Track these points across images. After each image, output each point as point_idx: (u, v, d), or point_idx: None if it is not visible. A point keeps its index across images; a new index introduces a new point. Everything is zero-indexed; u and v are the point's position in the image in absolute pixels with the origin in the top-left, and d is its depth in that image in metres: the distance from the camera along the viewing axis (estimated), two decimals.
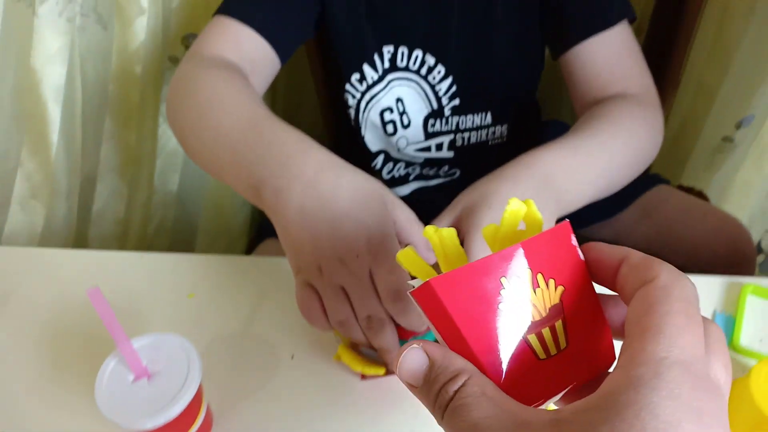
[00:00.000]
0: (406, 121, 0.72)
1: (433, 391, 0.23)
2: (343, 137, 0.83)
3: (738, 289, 0.54)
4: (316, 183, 0.40)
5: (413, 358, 0.24)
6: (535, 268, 0.25)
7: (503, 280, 0.24)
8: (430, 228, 0.28)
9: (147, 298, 0.53)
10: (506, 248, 0.24)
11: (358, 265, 0.38)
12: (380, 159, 0.77)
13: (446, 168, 0.75)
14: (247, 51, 0.61)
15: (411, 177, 0.79)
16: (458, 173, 0.76)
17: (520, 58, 0.70)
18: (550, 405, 0.26)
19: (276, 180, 0.41)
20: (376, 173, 0.78)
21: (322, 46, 0.80)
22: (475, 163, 0.74)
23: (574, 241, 0.26)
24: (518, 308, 0.24)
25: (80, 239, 0.82)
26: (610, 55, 0.63)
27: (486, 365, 0.24)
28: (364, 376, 0.46)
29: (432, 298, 0.24)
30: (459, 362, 0.23)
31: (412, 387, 0.24)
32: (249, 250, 0.83)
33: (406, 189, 0.80)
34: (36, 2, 0.67)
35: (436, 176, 0.77)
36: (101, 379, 0.38)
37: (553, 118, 0.98)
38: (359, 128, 0.74)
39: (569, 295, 0.26)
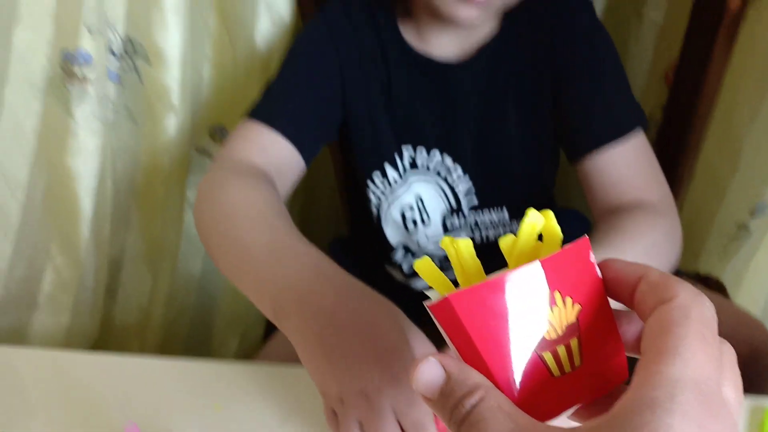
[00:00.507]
0: (425, 219, 0.74)
1: (450, 404, 0.23)
2: (363, 229, 0.84)
3: (761, 413, 0.51)
4: (335, 316, 0.41)
5: (429, 371, 0.24)
6: (553, 286, 0.25)
7: (521, 297, 0.24)
8: (446, 239, 0.28)
9: (172, 408, 0.53)
10: (525, 265, 0.24)
11: (379, 398, 0.38)
12: (400, 253, 0.78)
13: None
14: (274, 155, 0.63)
15: None
16: None
17: (535, 161, 0.72)
18: (561, 419, 0.26)
19: (296, 312, 0.42)
20: (396, 266, 0.79)
21: (343, 145, 0.83)
22: (493, 261, 0.75)
23: (592, 258, 0.26)
24: (534, 326, 0.24)
25: (104, 329, 0.83)
26: (626, 165, 0.64)
27: (501, 381, 0.24)
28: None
29: (450, 313, 0.24)
30: (476, 377, 0.23)
31: (427, 400, 0.24)
32: (266, 333, 0.83)
33: (425, 282, 0.80)
34: (72, 106, 0.70)
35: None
36: None
37: (563, 200, 0.99)
38: (380, 223, 0.76)
39: (585, 314, 0.26)
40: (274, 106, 0.66)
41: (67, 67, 0.68)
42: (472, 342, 0.24)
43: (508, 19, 0.68)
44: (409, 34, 0.69)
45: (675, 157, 0.88)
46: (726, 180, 0.95)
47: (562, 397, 0.25)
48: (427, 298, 0.28)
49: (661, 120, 0.93)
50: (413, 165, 0.72)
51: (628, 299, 0.25)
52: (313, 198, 1.09)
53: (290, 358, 0.48)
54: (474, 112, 0.69)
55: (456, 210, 0.73)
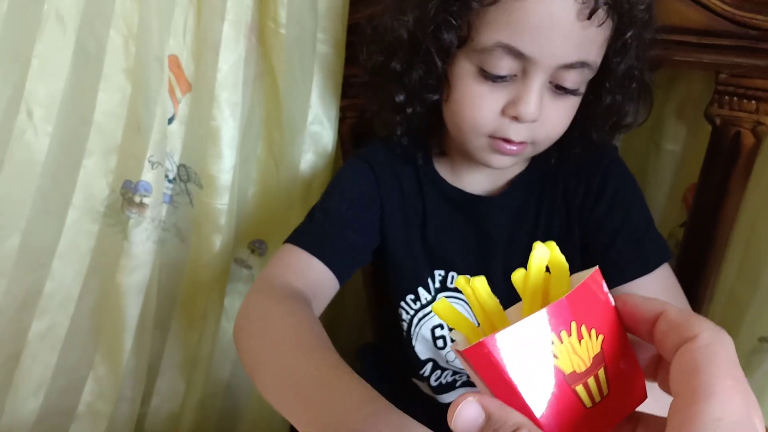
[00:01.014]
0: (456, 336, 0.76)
1: None
2: (391, 341, 0.87)
3: None
4: None
5: (469, 411, 0.25)
6: (578, 320, 0.26)
7: (552, 335, 0.25)
8: (461, 278, 0.29)
9: None
10: (552, 304, 0.25)
11: None
12: (429, 367, 0.81)
13: None
14: (312, 279, 0.67)
15: (458, 384, 0.82)
16: None
17: None
18: None
19: None
20: (424, 379, 0.81)
21: (377, 266, 0.87)
22: None
23: (605, 287, 0.27)
24: (567, 361, 0.25)
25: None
26: (657, 289, 0.67)
27: (540, 418, 0.25)
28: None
29: (485, 356, 0.25)
30: (516, 416, 0.24)
31: None
32: None
33: (453, 395, 0.82)
34: (129, 229, 0.75)
35: None
36: None
37: None
38: (410, 340, 0.78)
39: (608, 343, 0.27)
40: (314, 233, 0.71)
41: (127, 196, 0.74)
42: (510, 383, 0.25)
43: (538, 157, 0.73)
44: (444, 171, 0.75)
45: (696, 279, 0.91)
46: (746, 303, 0.97)
47: (594, 426, 0.27)
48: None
49: (682, 241, 0.96)
50: (443, 286, 0.76)
51: (645, 335, 0.26)
52: (341, 303, 1.12)
53: None
54: (504, 242, 0.74)
55: None
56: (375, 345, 0.98)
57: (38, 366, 0.76)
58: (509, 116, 0.61)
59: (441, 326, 0.77)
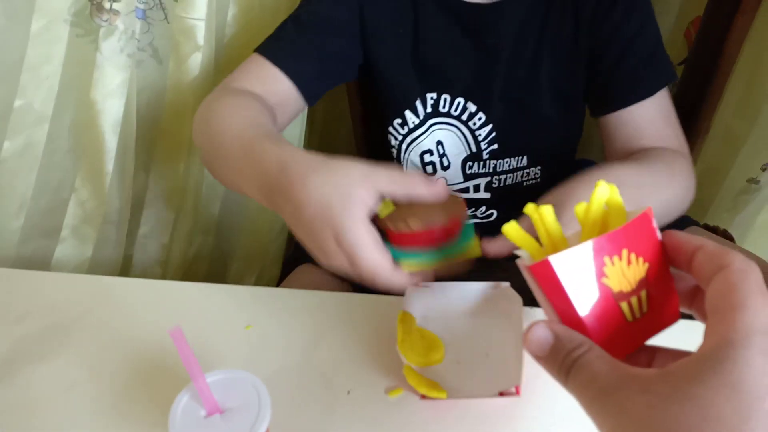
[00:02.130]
0: (445, 163, 0.75)
1: (560, 357, 0.29)
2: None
3: None
4: (291, 196, 0.46)
5: (539, 334, 0.30)
6: (629, 248, 0.30)
7: (606, 259, 0.30)
8: (530, 205, 0.33)
9: (203, 330, 0.55)
10: (610, 232, 0.30)
11: (336, 260, 0.45)
12: None
13: (483, 209, 0.78)
14: (272, 89, 0.65)
15: None
16: (495, 215, 0.78)
17: (562, 112, 0.73)
18: None
19: (271, 200, 0.49)
20: None
21: (363, 89, 0.83)
22: (510, 203, 0.77)
23: (654, 223, 0.31)
24: (616, 281, 0.30)
25: (125, 263, 0.85)
26: (650, 120, 0.67)
27: (591, 330, 0.30)
28: (424, 397, 0.48)
29: (549, 274, 0.29)
30: (580, 336, 0.30)
31: (538, 357, 0.31)
32: (282, 276, 0.85)
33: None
34: (100, 39, 0.71)
35: (474, 217, 0.79)
36: (174, 413, 0.40)
37: (582, 155, 1.00)
38: (400, 167, 0.77)
39: (652, 270, 0.31)
40: (280, 43, 0.68)
41: (95, 2, 0.68)
42: (568, 299, 0.30)
43: None
44: None
45: (692, 114, 0.89)
46: (742, 139, 0.96)
47: (633, 338, 0.32)
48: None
49: (681, 76, 0.93)
50: (435, 110, 0.73)
51: (685, 265, 0.31)
52: (330, 141, 1.10)
53: None
54: (506, 55, 0.69)
55: (476, 155, 0.74)
56: None
57: (18, 185, 0.74)
58: None
59: (430, 152, 0.75)
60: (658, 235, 0.32)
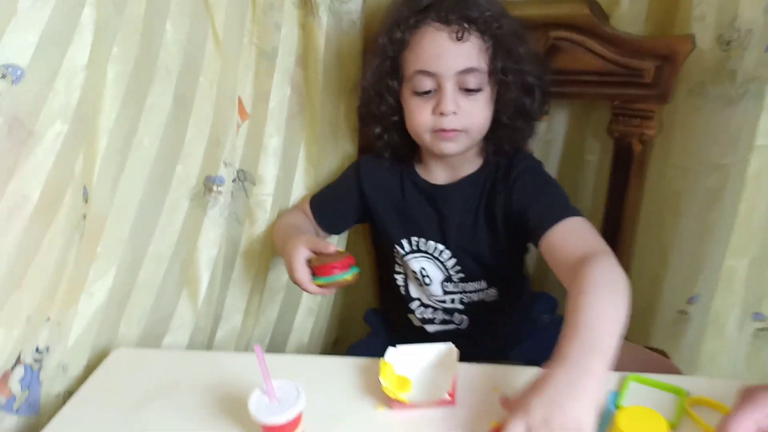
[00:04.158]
0: (428, 282, 1.09)
1: None
2: (391, 296, 1.20)
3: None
4: (287, 252, 0.99)
5: None
6: None
7: None
8: None
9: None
10: None
11: (292, 275, 0.96)
12: (417, 303, 1.14)
13: (459, 316, 1.11)
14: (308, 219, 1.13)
15: (436, 320, 1.14)
16: (466, 321, 1.11)
17: (501, 251, 1.07)
18: None
19: (284, 251, 1.02)
20: (413, 312, 1.15)
21: (374, 237, 1.23)
22: (479, 315, 1.09)
23: None
24: None
25: None
26: (572, 232, 0.87)
27: None
28: (393, 402, 0.78)
29: None
30: None
31: None
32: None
33: (432, 327, 1.15)
34: (208, 206, 1.11)
35: (451, 322, 1.12)
36: (254, 398, 0.72)
37: (539, 286, 1.32)
38: (406, 283, 1.14)
39: None
40: (316, 198, 1.15)
41: (208, 185, 1.10)
42: None
43: (485, 163, 1.06)
44: (420, 170, 1.10)
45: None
46: (662, 278, 1.23)
47: None
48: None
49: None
50: (417, 247, 1.09)
51: None
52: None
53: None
54: (456, 218, 1.07)
55: (449, 278, 1.08)
56: (378, 308, 1.32)
57: (140, 303, 1.10)
58: (438, 114, 0.96)
59: (422, 269, 1.11)
60: None
